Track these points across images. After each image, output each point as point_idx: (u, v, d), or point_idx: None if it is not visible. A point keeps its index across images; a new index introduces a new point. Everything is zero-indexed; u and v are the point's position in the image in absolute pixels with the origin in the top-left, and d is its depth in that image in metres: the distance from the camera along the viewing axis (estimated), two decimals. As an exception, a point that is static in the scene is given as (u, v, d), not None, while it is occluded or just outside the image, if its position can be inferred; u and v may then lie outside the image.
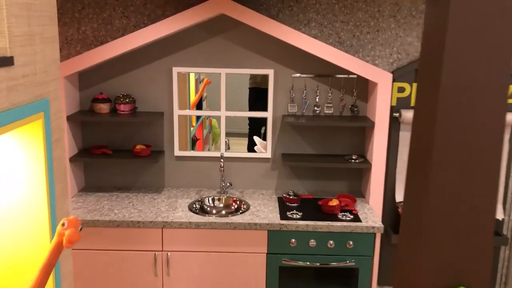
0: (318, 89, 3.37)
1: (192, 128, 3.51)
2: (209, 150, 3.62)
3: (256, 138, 3.51)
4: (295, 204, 3.23)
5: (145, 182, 3.52)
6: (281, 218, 2.99)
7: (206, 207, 3.27)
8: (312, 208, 3.16)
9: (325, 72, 3.35)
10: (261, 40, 3.30)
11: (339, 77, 3.36)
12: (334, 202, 3.13)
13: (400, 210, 3.47)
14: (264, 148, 3.48)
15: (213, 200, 3.33)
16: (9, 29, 1.39)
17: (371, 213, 3.13)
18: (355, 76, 3.33)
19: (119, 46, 3.09)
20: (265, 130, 3.44)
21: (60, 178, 1.77)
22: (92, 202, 3.21)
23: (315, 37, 3.29)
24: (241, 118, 3.49)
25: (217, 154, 3.44)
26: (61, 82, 3.08)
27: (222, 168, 3.31)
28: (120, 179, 3.51)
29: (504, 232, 3.56)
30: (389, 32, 3.32)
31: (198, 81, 3.47)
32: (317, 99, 3.39)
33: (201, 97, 3.52)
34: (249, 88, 3.42)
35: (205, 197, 3.33)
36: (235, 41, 3.31)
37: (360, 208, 3.21)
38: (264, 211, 3.12)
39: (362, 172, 3.49)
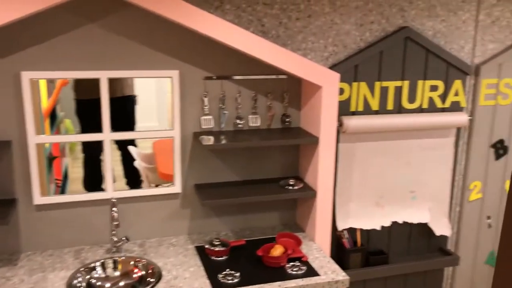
0: (239, 96, 2.49)
1: (47, 145, 2.36)
2: (66, 169, 2.46)
3: (132, 148, 2.50)
4: (224, 258, 2.33)
5: (-12, 249, 2.29)
6: (214, 287, 2.08)
7: (94, 281, 2.19)
8: (249, 262, 2.30)
9: (248, 72, 2.48)
10: (158, 28, 2.30)
11: (266, 78, 2.52)
12: (278, 250, 2.31)
13: (344, 240, 2.80)
14: (146, 162, 2.48)
15: (104, 267, 2.26)
16: None
17: (323, 258, 2.37)
18: (285, 76, 2.53)
19: None
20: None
21: None
22: None
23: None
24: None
25: (102, 196, 2.37)
26: None
27: (117, 223, 2.25)
28: None
29: (449, 247, 3.12)
30: (322, 18, 2.57)
31: (48, 82, 2.31)
32: (239, 109, 2.51)
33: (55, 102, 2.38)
34: (76, 100, 2.34)
35: (90, 263, 2.24)
36: (121, 31, 2.25)
37: (308, 251, 2.44)
38: (184, 277, 2.16)
39: (299, 199, 2.72)
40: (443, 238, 3.05)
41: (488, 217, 3.12)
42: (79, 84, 2.28)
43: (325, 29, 2.58)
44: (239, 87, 2.49)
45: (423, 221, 2.93)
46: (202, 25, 2.14)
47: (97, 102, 2.28)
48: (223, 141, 2.30)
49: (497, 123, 2.95)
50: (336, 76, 2.37)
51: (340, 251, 2.82)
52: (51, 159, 2.41)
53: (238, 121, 2.50)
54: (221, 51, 2.40)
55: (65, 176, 2.46)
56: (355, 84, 2.66)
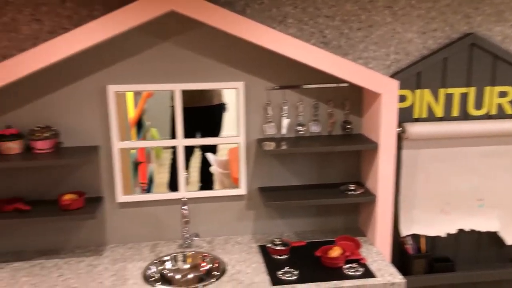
0: (300, 104, 2.63)
1: (133, 151, 2.65)
2: (151, 174, 2.74)
3: (209, 156, 2.71)
4: (285, 257, 2.47)
5: (79, 240, 2.62)
6: (273, 283, 2.23)
7: (166, 272, 2.44)
8: (308, 262, 2.42)
9: (309, 81, 2.62)
10: (226, 44, 2.51)
11: (327, 87, 2.64)
12: (336, 251, 2.41)
13: (407, 246, 2.82)
14: (222, 168, 2.68)
15: (175, 260, 2.50)
16: None
17: (382, 261, 2.43)
18: (346, 84, 2.62)
19: (30, 61, 2.19)
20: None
21: None
22: (5, 280, 2.29)
23: (293, 37, 2.54)
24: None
25: (175, 196, 2.62)
26: None
27: (187, 219, 2.49)
28: (45, 240, 2.60)
29: None
30: (384, 27, 2.64)
31: (136, 94, 2.60)
32: (300, 117, 2.65)
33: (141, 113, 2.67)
34: (172, 107, 2.56)
35: (164, 257, 2.49)
36: (192, 47, 2.49)
37: (367, 254, 2.50)
38: (246, 272, 2.34)
39: (360, 204, 2.79)
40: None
41: None
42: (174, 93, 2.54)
43: (387, 38, 2.65)
44: (301, 95, 2.62)
45: (492, 230, 2.86)
46: (266, 40, 2.31)
47: (189, 110, 2.54)
48: (283, 147, 2.45)
49: None
50: (395, 83, 2.43)
51: (403, 257, 2.84)
52: (136, 164, 2.71)
53: (299, 127, 2.64)
54: (283, 62, 2.55)
55: (150, 181, 2.74)
56: (418, 91, 2.69)
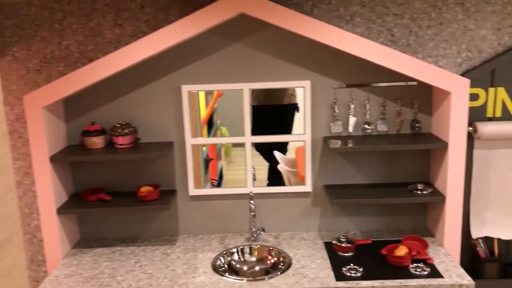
0: (368, 102, 2.64)
1: (204, 148, 2.78)
2: (221, 171, 2.85)
3: (277, 154, 2.79)
4: (350, 254, 2.50)
5: (154, 230, 2.80)
6: (337, 278, 2.26)
7: (234, 263, 2.55)
8: (374, 259, 2.42)
9: (377, 80, 2.62)
10: (293, 44, 2.58)
11: (395, 85, 2.63)
12: (402, 250, 2.39)
13: (478, 249, 2.73)
14: (289, 166, 2.74)
15: (243, 252, 2.61)
16: None
17: (450, 262, 2.39)
18: (415, 83, 2.60)
19: (113, 63, 2.38)
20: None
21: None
22: (88, 264, 2.51)
23: (361, 36, 2.56)
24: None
25: (243, 191, 2.72)
26: (40, 114, 2.39)
27: (253, 213, 2.58)
28: (124, 228, 2.80)
29: None
30: (455, 24, 2.58)
31: (207, 93, 2.73)
32: (367, 115, 2.66)
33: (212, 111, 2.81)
34: (253, 106, 2.66)
35: (232, 249, 2.61)
36: (260, 48, 2.59)
37: (435, 254, 2.47)
38: (311, 267, 2.39)
39: (429, 204, 2.75)
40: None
41: None
42: (253, 92, 2.65)
43: (458, 35, 2.59)
44: (368, 94, 2.63)
45: None
46: (333, 39, 2.35)
47: (265, 108, 2.65)
48: (350, 145, 2.47)
49: None
50: (466, 81, 2.37)
51: (474, 260, 2.76)
52: (207, 161, 2.85)
53: (366, 126, 2.65)
54: (350, 61, 2.58)
55: (220, 177, 2.87)
56: (491, 89, 2.60)
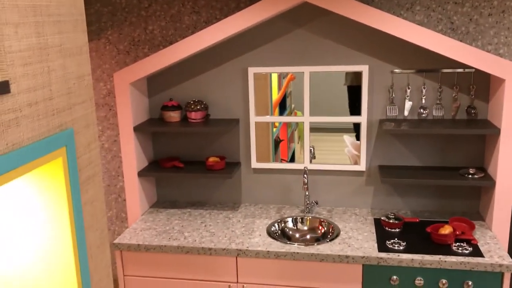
0: (424, 88, 2.75)
1: (275, 129, 3.04)
2: (294, 152, 3.08)
3: (346, 138, 2.96)
4: (397, 230, 2.65)
5: (220, 197, 3.13)
6: (380, 250, 2.44)
7: (287, 230, 2.81)
8: (418, 236, 2.56)
9: (434, 66, 2.72)
10: (352, 30, 2.75)
11: (452, 71, 2.71)
12: (447, 229, 2.51)
13: (532, 236, 2.75)
14: (357, 150, 2.91)
15: (296, 221, 2.86)
16: (1, 43, 1.02)
17: (495, 244, 2.47)
18: (472, 70, 2.66)
19: (189, 46, 2.70)
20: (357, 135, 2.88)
21: (97, 225, 1.40)
22: (162, 221, 2.89)
23: (420, 24, 2.67)
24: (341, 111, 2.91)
25: (301, 166, 2.96)
26: (127, 89, 2.78)
27: (306, 186, 2.82)
28: (194, 193, 3.16)
29: None
30: (518, 12, 2.60)
31: (281, 77, 2.97)
32: (423, 100, 2.76)
33: (285, 94, 3.03)
34: (348, 87, 2.84)
35: (286, 218, 2.86)
36: (321, 33, 2.78)
37: (480, 236, 2.55)
38: (357, 238, 2.58)
39: (482, 189, 2.81)
40: None
41: None
42: (347, 74, 2.84)
43: (521, 23, 2.61)
44: (425, 79, 2.74)
45: None
46: (389, 26, 2.49)
47: (353, 89, 2.83)
48: (403, 127, 2.61)
49: None
50: (521, 69, 2.41)
51: (527, 247, 2.78)
52: (277, 142, 3.10)
53: (421, 110, 2.76)
54: (408, 46, 2.70)
55: (292, 159, 3.07)
56: (554, 78, 2.59)
